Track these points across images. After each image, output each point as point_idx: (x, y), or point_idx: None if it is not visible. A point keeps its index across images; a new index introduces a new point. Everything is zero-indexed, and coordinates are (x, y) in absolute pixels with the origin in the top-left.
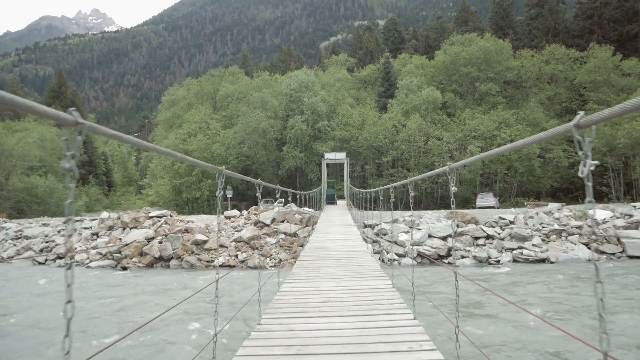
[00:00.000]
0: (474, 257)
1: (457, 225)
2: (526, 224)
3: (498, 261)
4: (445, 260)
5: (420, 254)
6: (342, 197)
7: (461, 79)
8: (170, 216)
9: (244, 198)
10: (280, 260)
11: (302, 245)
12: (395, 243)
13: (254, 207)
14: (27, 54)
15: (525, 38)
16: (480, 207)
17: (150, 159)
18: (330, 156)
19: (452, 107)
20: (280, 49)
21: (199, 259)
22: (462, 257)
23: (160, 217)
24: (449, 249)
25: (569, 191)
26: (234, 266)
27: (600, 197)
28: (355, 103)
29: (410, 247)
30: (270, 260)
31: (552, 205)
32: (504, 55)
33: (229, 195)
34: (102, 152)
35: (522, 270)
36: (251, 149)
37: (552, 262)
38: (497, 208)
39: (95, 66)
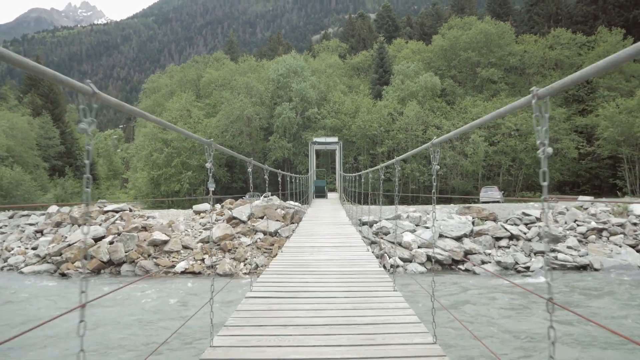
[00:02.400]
0: (498, 262)
1: (474, 223)
2: (556, 221)
3: (528, 268)
4: (462, 267)
5: (430, 259)
6: (333, 190)
7: (460, 65)
8: (130, 210)
9: (228, 192)
10: (257, 266)
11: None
12: (400, 245)
13: (228, 201)
14: (15, 46)
15: (525, 25)
16: (483, 202)
17: (126, 149)
18: (320, 140)
19: (451, 95)
20: (270, 38)
21: (157, 264)
22: (483, 262)
23: (117, 211)
24: (466, 252)
25: (575, 185)
26: (199, 273)
27: (614, 192)
28: (347, 91)
29: (417, 249)
30: (244, 265)
31: (583, 199)
32: (506, 40)
33: (212, 189)
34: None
35: (563, 280)
36: (235, 139)
37: (596, 269)
38: (502, 202)
39: (84, 59)
